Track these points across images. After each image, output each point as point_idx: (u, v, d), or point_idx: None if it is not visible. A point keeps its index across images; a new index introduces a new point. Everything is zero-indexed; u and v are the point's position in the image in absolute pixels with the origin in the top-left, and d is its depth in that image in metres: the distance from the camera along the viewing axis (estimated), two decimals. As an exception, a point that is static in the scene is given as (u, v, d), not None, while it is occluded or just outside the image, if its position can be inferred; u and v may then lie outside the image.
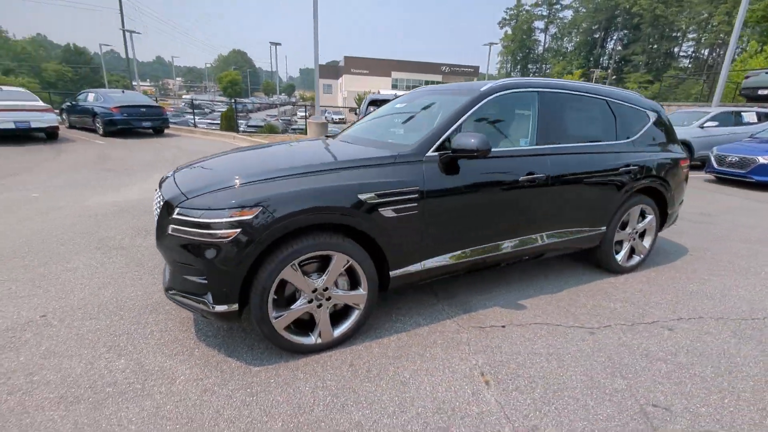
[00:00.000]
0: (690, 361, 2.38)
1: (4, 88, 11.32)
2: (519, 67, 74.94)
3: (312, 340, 2.37)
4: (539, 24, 74.38)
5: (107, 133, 12.48)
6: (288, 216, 2.09)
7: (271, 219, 2.06)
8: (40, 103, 11.04)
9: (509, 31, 75.50)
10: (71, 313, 2.78)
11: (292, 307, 2.28)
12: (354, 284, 2.45)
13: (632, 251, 3.67)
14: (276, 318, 2.23)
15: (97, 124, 12.54)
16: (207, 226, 2.04)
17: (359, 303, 2.45)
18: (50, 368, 2.22)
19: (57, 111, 14.45)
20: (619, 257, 3.54)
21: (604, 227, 3.34)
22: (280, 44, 26.19)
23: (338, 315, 2.49)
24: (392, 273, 2.51)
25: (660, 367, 2.32)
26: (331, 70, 51.18)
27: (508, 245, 2.88)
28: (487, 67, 32.73)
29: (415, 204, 2.44)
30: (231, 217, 2.04)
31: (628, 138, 3.41)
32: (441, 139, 2.58)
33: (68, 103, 14.30)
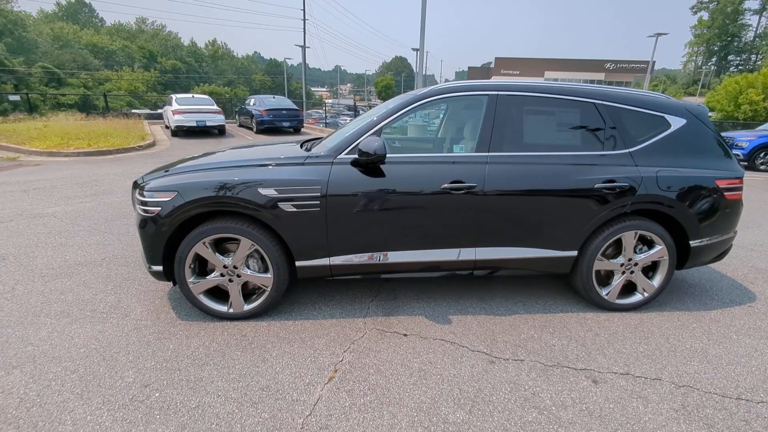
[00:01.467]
0: (573, 420, 1.96)
1: (195, 95, 14.99)
2: (715, 58, 59.78)
3: (225, 309, 2.80)
4: (752, 4, 57.87)
5: (258, 131, 15.30)
6: (194, 201, 2.56)
7: (181, 202, 2.57)
8: (215, 107, 14.27)
9: (704, 17, 60.71)
10: (116, 261, 3.83)
11: (207, 277, 2.76)
12: (267, 268, 2.78)
13: (632, 287, 2.98)
14: (193, 283, 2.74)
15: (252, 124, 15.47)
16: (145, 203, 2.66)
17: (267, 285, 2.77)
18: (75, 292, 3.19)
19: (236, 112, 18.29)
20: (605, 291, 2.93)
21: (575, 251, 2.83)
22: (417, 50, 27.18)
23: (253, 293, 2.86)
24: (298, 263, 2.75)
25: (527, 415, 1.99)
26: (483, 73, 50.17)
27: (431, 254, 2.77)
28: (651, 61, 27.18)
29: (317, 202, 2.62)
30: (156, 197, 2.61)
31: (625, 148, 2.79)
32: (355, 143, 2.68)
33: (239, 107, 17.99)
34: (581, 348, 2.54)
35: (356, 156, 2.61)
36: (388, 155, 2.74)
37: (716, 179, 2.80)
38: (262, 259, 2.76)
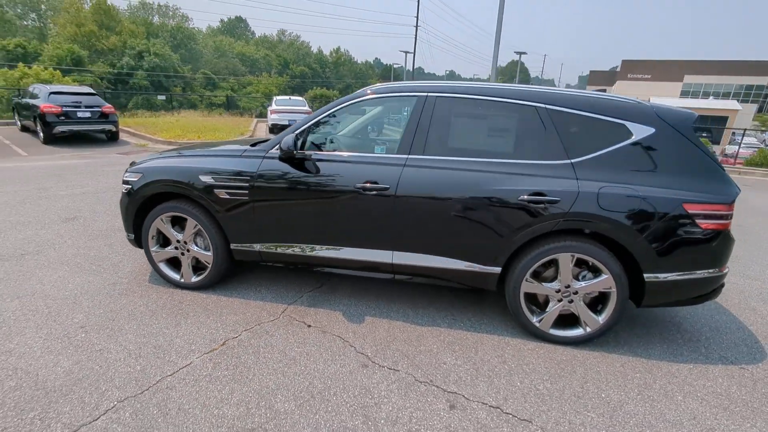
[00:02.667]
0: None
1: (292, 97, 16.60)
2: None
3: (178, 278, 3.22)
4: None
5: (344, 132, 16.28)
6: (152, 182, 3.02)
7: (144, 182, 3.04)
8: (306, 108, 15.63)
9: None
10: (146, 230, 4.60)
11: (165, 248, 3.21)
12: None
13: (573, 319, 2.56)
14: (154, 252, 3.21)
15: (341, 124, 16.53)
16: (125, 181, 3.21)
17: (209, 262, 3.11)
18: (98, 250, 3.96)
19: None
20: (536, 317, 2.58)
21: (498, 268, 2.56)
22: (525, 53, 25.78)
23: (204, 267, 3.22)
24: (232, 246, 3.03)
25: (349, 421, 1.93)
26: (606, 78, 44.85)
27: (349, 252, 2.79)
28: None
29: (246, 191, 2.86)
30: (131, 177, 3.14)
31: (566, 158, 2.42)
32: (282, 140, 2.84)
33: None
34: (471, 372, 2.31)
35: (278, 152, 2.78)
36: (322, 152, 2.86)
37: (684, 202, 2.26)
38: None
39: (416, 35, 37.81)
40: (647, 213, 2.29)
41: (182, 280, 3.20)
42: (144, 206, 3.15)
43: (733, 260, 4.28)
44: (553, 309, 2.56)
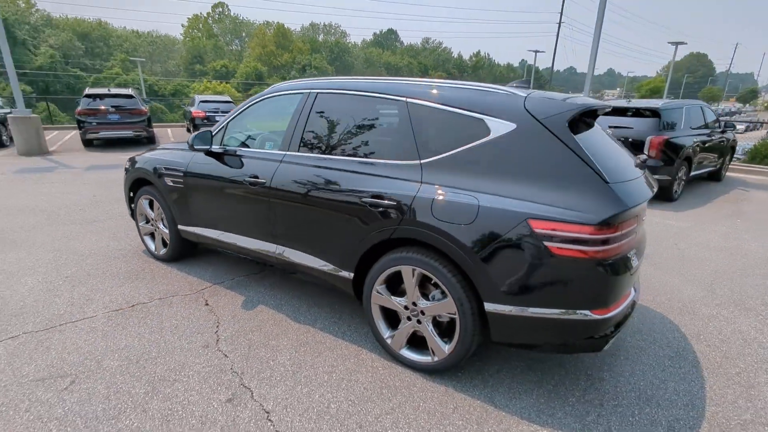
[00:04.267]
0: (151, 412, 1.94)
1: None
2: None
3: (153, 248, 3.84)
4: None
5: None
6: (135, 169, 3.68)
7: (131, 169, 3.73)
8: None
9: None
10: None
11: (147, 224, 3.86)
12: (173, 226, 3.64)
13: (423, 342, 2.19)
14: (141, 227, 3.90)
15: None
16: (125, 169, 3.96)
17: (168, 239, 3.63)
18: (131, 226, 4.95)
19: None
20: (388, 334, 2.29)
21: (351, 273, 2.36)
22: (685, 43, 20.82)
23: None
24: (179, 227, 3.48)
25: (135, 390, 2.10)
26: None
27: (249, 242, 2.94)
28: None
29: (181, 180, 3.26)
30: (127, 164, 3.88)
31: (417, 158, 2.09)
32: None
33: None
34: (287, 374, 2.22)
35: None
36: (230, 147, 3.09)
37: (530, 218, 1.74)
38: (172, 218, 3.63)
39: (558, 33, 34.69)
40: (485, 227, 1.84)
41: (155, 252, 3.82)
42: (134, 189, 3.86)
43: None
44: (403, 327, 2.25)
